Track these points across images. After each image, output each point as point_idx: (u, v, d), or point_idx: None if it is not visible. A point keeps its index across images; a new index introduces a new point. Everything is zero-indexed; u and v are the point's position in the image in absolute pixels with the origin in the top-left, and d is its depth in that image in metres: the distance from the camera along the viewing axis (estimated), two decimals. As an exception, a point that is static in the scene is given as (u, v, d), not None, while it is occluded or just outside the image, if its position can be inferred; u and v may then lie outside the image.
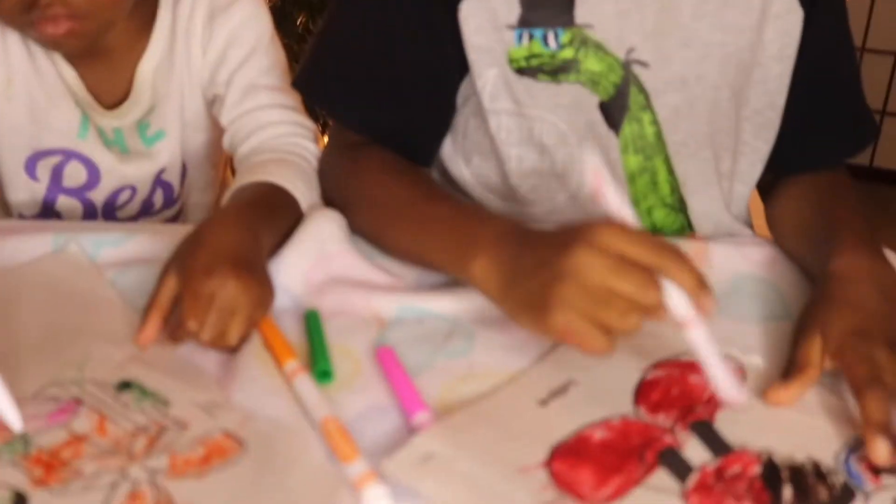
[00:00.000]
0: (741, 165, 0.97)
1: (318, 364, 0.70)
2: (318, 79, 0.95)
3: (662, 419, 0.66)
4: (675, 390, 0.69)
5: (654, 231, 0.96)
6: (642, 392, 0.69)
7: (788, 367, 0.71)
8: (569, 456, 0.62)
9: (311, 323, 0.75)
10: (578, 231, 0.65)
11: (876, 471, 0.62)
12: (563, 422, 0.65)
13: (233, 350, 0.73)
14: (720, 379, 0.64)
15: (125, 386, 0.68)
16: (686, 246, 0.79)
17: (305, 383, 0.68)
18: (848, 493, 0.60)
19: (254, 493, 0.58)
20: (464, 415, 0.65)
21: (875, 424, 0.63)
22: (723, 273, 0.87)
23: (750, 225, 1.03)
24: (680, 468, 0.62)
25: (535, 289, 0.66)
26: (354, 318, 0.77)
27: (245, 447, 0.62)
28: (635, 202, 0.95)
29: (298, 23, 2.06)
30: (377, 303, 0.78)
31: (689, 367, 0.71)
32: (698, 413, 0.67)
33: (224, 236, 0.76)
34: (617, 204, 0.65)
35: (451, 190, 1.03)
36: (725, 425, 0.66)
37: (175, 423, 0.65)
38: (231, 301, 0.71)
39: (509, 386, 0.69)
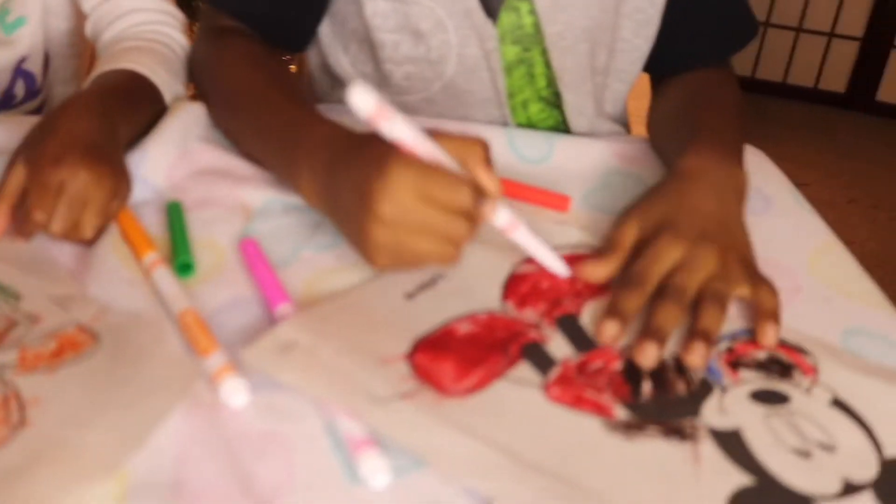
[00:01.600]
0: (619, 63, 0.96)
1: (179, 257, 0.68)
2: None
3: (529, 314, 0.66)
4: (544, 283, 0.69)
5: (530, 126, 0.96)
6: (511, 286, 0.69)
7: (604, 245, 0.71)
8: (431, 348, 0.61)
9: (173, 215, 0.72)
10: (376, 173, 0.61)
11: (734, 366, 0.64)
12: (429, 315, 0.65)
13: (89, 243, 0.70)
14: (549, 263, 0.70)
15: (-28, 280, 0.65)
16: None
17: (164, 276, 0.65)
18: (706, 387, 0.62)
19: (106, 386, 0.56)
20: (328, 305, 0.64)
21: (618, 314, 0.64)
22: (594, 169, 0.87)
23: (626, 126, 1.04)
24: (542, 362, 0.62)
25: (352, 226, 0.64)
26: (219, 209, 0.74)
27: (99, 340, 0.60)
28: (511, 95, 0.93)
29: None
30: (243, 193, 0.76)
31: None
32: (565, 306, 0.67)
33: (76, 123, 0.72)
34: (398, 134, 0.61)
35: (330, 82, 1.00)
36: (591, 322, 0.66)
37: (26, 318, 0.62)
38: (82, 191, 0.68)
39: (377, 279, 0.68)
